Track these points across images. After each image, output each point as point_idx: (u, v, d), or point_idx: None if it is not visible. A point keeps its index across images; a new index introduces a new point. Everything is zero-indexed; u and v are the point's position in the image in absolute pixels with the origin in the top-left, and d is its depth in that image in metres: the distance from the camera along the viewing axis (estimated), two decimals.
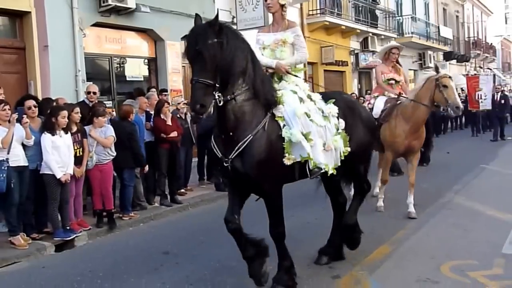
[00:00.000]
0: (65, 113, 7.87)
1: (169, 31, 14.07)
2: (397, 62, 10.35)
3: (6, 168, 7.33)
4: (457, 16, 42.79)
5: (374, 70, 13.92)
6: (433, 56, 34.16)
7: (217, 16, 4.79)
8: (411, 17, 31.02)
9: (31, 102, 8.04)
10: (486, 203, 8.85)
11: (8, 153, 7.37)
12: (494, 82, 24.37)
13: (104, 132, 8.61)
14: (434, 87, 8.31)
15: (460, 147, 18.72)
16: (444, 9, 39.38)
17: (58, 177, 7.69)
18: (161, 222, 9.27)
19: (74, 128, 8.26)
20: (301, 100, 5.43)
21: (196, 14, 4.88)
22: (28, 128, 7.71)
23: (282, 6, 5.80)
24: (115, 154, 8.71)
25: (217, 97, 4.76)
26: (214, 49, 4.71)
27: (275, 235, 5.35)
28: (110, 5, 12.18)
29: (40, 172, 7.82)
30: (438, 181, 10.99)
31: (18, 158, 7.56)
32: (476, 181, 11.49)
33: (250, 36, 5.60)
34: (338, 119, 5.74)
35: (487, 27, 53.75)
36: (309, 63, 21.19)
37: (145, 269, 6.49)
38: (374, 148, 7.54)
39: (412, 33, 30.23)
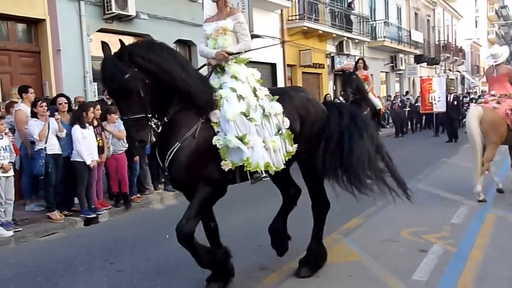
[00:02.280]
0: (91, 109, 9.32)
1: (163, 35, 15.31)
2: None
3: (44, 155, 8.79)
4: (428, 20, 44.14)
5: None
6: (404, 59, 35.83)
7: (122, 45, 4.50)
8: (384, 22, 32.25)
9: (62, 99, 9.50)
10: (442, 188, 10.41)
11: (45, 143, 8.82)
12: (446, 84, 24.54)
13: (117, 127, 9.96)
14: None
15: (424, 144, 20.29)
16: (416, 14, 40.75)
17: (87, 163, 9.14)
18: (166, 204, 10.74)
19: (95, 123, 9.69)
20: (239, 98, 5.14)
21: (103, 43, 4.61)
22: (60, 122, 9.15)
23: None
24: (127, 145, 10.06)
25: (153, 126, 4.67)
26: (130, 84, 4.47)
27: (183, 233, 4.90)
28: (113, 12, 13.62)
29: (71, 159, 9.23)
30: (403, 172, 12.42)
31: (53, 147, 8.98)
32: (437, 171, 13.06)
33: None
34: (282, 117, 5.43)
35: (457, 31, 55.26)
36: (288, 65, 22.69)
37: (159, 238, 7.54)
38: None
39: (384, 37, 31.51)
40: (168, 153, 4.87)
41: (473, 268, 5.88)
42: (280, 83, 21.73)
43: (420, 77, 26.88)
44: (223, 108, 5.03)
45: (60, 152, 9.13)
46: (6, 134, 8.53)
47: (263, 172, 5.04)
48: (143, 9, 14.67)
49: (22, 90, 9.61)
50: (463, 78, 55.90)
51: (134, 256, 7.01)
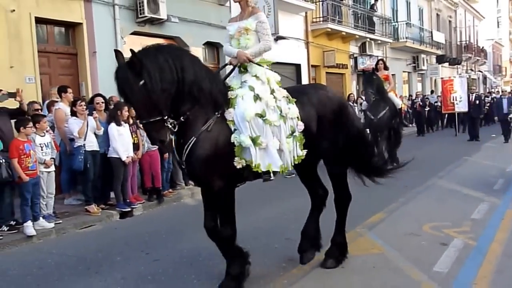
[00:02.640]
0: (126, 107, 9.81)
1: (193, 38, 15.91)
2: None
3: (83, 152, 9.30)
4: (449, 21, 44.05)
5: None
6: (426, 60, 35.85)
7: (133, 54, 4.62)
8: (406, 23, 32.41)
9: (99, 99, 10.00)
10: (463, 185, 10.75)
11: (84, 140, 9.33)
12: (468, 84, 24.44)
13: None
14: None
15: (445, 143, 20.52)
16: (437, 15, 40.71)
17: (123, 159, 9.62)
18: (196, 199, 10.98)
19: (131, 121, 10.16)
20: (256, 98, 5.27)
21: (116, 51, 4.76)
22: (97, 120, 9.65)
23: None
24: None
25: (170, 126, 4.84)
26: (142, 91, 4.60)
27: (224, 236, 5.31)
28: (146, 16, 14.06)
29: (108, 156, 9.73)
30: (425, 169, 12.84)
31: (92, 144, 9.49)
32: (458, 169, 13.38)
33: None
34: (297, 120, 5.52)
35: (479, 31, 54.99)
36: (312, 66, 23.00)
37: (191, 231, 7.75)
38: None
39: (406, 38, 31.69)
40: (185, 148, 5.03)
41: (493, 261, 6.15)
42: (305, 83, 21.83)
43: (442, 78, 26.75)
44: (238, 106, 5.16)
45: (98, 149, 9.64)
46: (47, 131, 9.06)
47: (272, 173, 5.21)
48: (174, 12, 15.12)
49: (62, 90, 10.12)
50: (485, 78, 55.69)
51: (168, 248, 7.38)
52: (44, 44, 12.49)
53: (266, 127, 5.18)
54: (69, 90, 10.22)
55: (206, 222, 5.36)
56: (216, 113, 5.13)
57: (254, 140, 5.07)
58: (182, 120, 4.98)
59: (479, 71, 53.10)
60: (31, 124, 8.43)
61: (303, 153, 5.55)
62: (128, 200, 9.95)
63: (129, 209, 9.88)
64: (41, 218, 8.56)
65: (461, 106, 22.06)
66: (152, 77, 4.62)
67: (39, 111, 9.71)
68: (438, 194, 10.10)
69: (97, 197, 9.87)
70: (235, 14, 5.78)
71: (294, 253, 6.40)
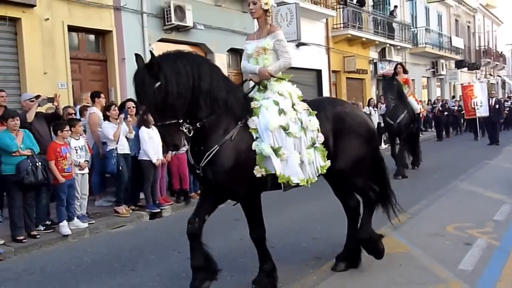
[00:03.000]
0: None
1: (217, 44, 16.29)
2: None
3: (115, 155, 9.65)
4: (468, 27, 44.27)
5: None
6: (445, 64, 36.12)
7: (152, 57, 4.72)
8: (425, 29, 32.72)
9: (131, 104, 10.34)
10: (485, 188, 10.93)
11: (117, 143, 9.68)
12: (487, 88, 24.23)
13: None
14: None
15: (465, 147, 20.68)
16: (456, 20, 41.01)
17: (153, 162, 9.95)
18: None
19: None
20: (281, 112, 5.29)
21: (137, 55, 4.84)
22: (130, 124, 9.99)
23: (266, 11, 5.59)
24: (188, 146, 10.92)
25: (185, 130, 4.84)
26: (156, 93, 4.63)
27: (255, 238, 5.45)
28: (173, 24, 14.53)
29: (138, 158, 10.06)
30: (447, 172, 13.07)
31: (124, 147, 9.83)
32: (479, 172, 13.56)
33: None
34: (318, 132, 5.54)
35: (497, 36, 55.08)
36: (333, 71, 23.33)
37: (220, 231, 7.95)
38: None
39: (426, 43, 32.02)
40: (206, 155, 5.04)
41: None
42: (325, 88, 22.60)
43: (461, 83, 26.79)
44: (262, 116, 5.20)
45: (129, 152, 9.99)
46: (81, 135, 9.41)
47: (290, 184, 5.24)
48: (199, 20, 15.56)
49: (95, 95, 10.51)
50: (503, 82, 55.57)
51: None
52: (75, 51, 13.00)
53: (288, 140, 5.22)
54: (102, 95, 10.61)
55: (191, 218, 5.41)
56: (239, 122, 5.18)
57: (275, 151, 5.11)
58: (198, 126, 4.98)
59: (498, 76, 53.11)
60: (67, 128, 8.80)
61: (326, 163, 5.58)
62: (157, 202, 10.28)
63: (159, 210, 10.21)
64: (75, 218, 8.93)
65: (482, 111, 21.98)
66: (168, 81, 4.66)
67: (73, 115, 10.06)
68: (460, 196, 10.30)
69: (128, 199, 10.20)
70: (256, 25, 5.81)
71: (321, 252, 6.60)
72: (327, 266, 6.35)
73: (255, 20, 5.70)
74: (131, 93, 12.65)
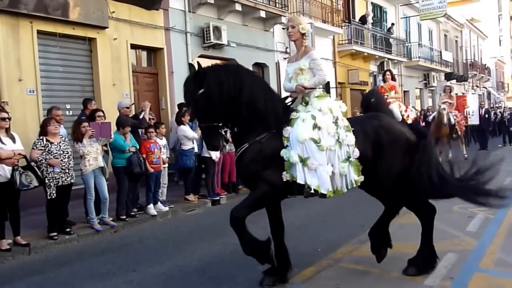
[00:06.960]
0: None
1: (244, 59, 18.13)
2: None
3: (193, 153, 11.90)
4: (456, 41, 45.94)
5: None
6: (436, 77, 37.78)
7: (199, 67, 5.21)
8: (418, 44, 34.42)
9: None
10: None
11: (193, 144, 11.93)
12: (479, 100, 25.88)
13: None
14: None
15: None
16: (445, 35, 42.79)
17: (213, 158, 12.17)
18: None
19: None
20: (315, 126, 5.42)
21: (190, 65, 5.59)
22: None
23: (303, 34, 5.83)
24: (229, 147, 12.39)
25: (223, 133, 5.32)
26: (200, 100, 5.12)
27: (233, 216, 5.44)
28: (211, 42, 16.55)
29: (201, 156, 12.24)
30: None
31: (193, 146, 12.04)
32: None
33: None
34: (353, 148, 5.60)
35: (482, 50, 56.69)
36: (338, 83, 25.04)
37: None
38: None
39: (419, 57, 33.71)
40: (237, 152, 5.56)
41: (506, 227, 8.61)
42: (333, 99, 24.14)
43: (456, 94, 28.42)
44: (297, 126, 5.44)
45: (197, 150, 12.19)
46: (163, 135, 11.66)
47: (315, 192, 5.37)
48: (231, 38, 17.54)
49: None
50: (489, 93, 56.94)
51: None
52: (134, 66, 14.96)
53: (319, 152, 5.35)
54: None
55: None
56: (273, 129, 5.48)
57: (303, 160, 5.31)
58: (236, 131, 5.49)
59: (484, 87, 54.53)
60: (152, 129, 11.02)
61: (359, 178, 5.66)
62: (215, 191, 12.48)
63: (218, 198, 12.43)
64: (159, 202, 11.11)
65: (474, 120, 23.48)
66: (211, 89, 5.16)
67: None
68: None
69: (193, 189, 12.41)
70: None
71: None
72: (342, 251, 7.48)
73: (292, 42, 6.08)
74: (178, 102, 14.53)
